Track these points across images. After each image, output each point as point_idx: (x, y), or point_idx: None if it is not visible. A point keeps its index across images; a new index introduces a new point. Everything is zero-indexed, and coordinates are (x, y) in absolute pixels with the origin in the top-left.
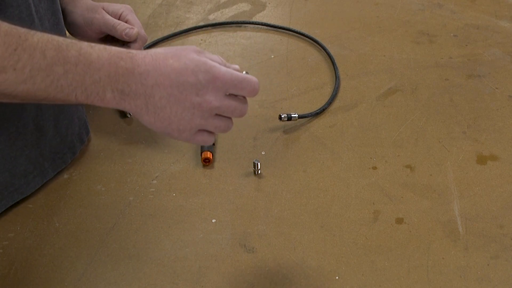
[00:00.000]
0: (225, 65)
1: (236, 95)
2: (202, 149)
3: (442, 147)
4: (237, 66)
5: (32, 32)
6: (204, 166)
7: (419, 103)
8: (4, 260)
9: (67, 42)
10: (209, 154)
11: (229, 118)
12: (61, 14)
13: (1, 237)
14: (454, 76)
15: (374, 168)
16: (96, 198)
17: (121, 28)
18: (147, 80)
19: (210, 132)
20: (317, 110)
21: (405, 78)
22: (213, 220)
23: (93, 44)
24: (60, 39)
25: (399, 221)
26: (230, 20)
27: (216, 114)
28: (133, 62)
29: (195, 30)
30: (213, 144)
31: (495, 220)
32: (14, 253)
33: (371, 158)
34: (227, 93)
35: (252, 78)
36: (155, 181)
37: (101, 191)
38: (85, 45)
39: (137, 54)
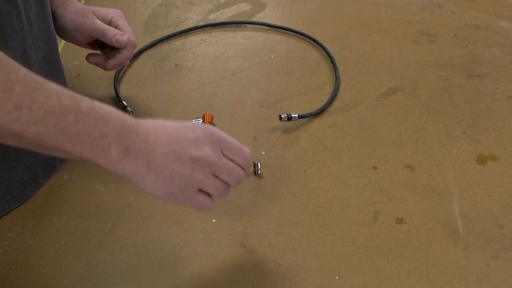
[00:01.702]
0: None
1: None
2: None
3: (442, 147)
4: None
5: (48, 80)
6: None
7: (419, 103)
8: (4, 260)
9: (80, 95)
10: None
11: (227, 184)
12: (52, 20)
13: (1, 237)
14: (454, 76)
15: (374, 168)
16: (96, 198)
17: (111, 34)
18: (149, 137)
19: (209, 195)
20: (317, 110)
21: (405, 78)
22: (213, 220)
23: (102, 104)
24: (72, 92)
25: (399, 221)
26: (230, 20)
27: (215, 175)
28: (137, 121)
29: (195, 30)
30: None
31: (495, 220)
32: (14, 253)
33: (371, 158)
34: (223, 153)
35: (245, 148)
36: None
37: (101, 191)
38: (95, 101)
39: (138, 119)
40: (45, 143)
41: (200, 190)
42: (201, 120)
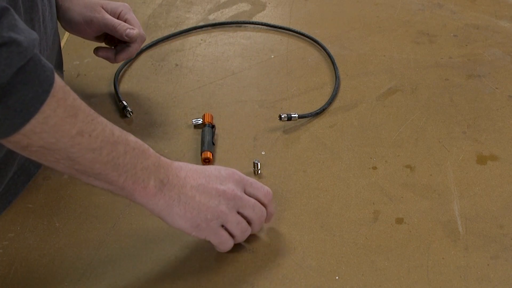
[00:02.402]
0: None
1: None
2: (202, 149)
3: (442, 147)
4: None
5: (96, 113)
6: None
7: (419, 103)
8: (4, 260)
9: (124, 131)
10: (209, 154)
11: (250, 222)
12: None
13: (1, 237)
14: (454, 76)
15: (374, 168)
16: (96, 198)
17: (122, 28)
18: (180, 172)
19: (230, 235)
20: (317, 110)
21: (405, 78)
22: None
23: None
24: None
25: (399, 221)
26: (230, 20)
27: (239, 212)
28: (170, 160)
29: (195, 30)
30: (213, 144)
31: (495, 220)
32: (14, 253)
33: (371, 158)
34: (246, 191)
35: (266, 186)
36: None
37: (101, 191)
38: (138, 138)
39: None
40: (95, 170)
41: (223, 227)
42: (201, 120)
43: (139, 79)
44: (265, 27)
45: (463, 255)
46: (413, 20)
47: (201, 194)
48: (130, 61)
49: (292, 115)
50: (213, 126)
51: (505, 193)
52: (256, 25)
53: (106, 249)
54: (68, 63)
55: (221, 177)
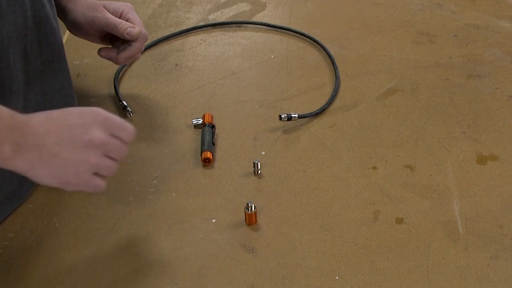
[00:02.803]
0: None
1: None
2: (202, 149)
3: (442, 147)
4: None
5: None
6: (204, 166)
7: (419, 103)
8: (4, 260)
9: None
10: (209, 154)
11: (115, 160)
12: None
13: (1, 237)
14: (454, 76)
15: (374, 168)
16: (96, 198)
17: (123, 27)
18: (39, 130)
19: (102, 177)
20: (317, 110)
21: (405, 78)
22: (213, 220)
23: None
24: None
25: (399, 221)
26: (230, 20)
27: (106, 155)
28: (27, 117)
29: (195, 30)
30: (213, 144)
31: (495, 220)
32: (14, 253)
33: (371, 158)
34: (112, 132)
35: (127, 124)
36: (155, 181)
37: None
38: None
39: (28, 114)
40: None
41: (94, 173)
42: (201, 120)
43: (139, 79)
44: (265, 27)
45: (463, 255)
46: (413, 20)
47: (66, 149)
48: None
49: (292, 115)
50: (213, 126)
51: (505, 193)
52: (256, 25)
53: (106, 249)
54: (68, 63)
55: (85, 124)
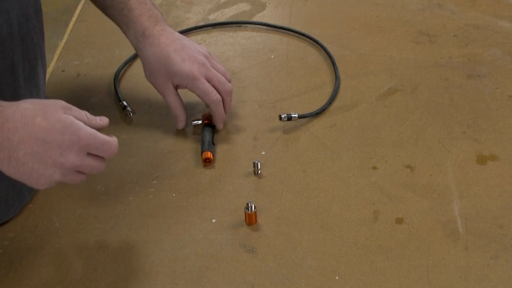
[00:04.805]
0: (90, 123)
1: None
2: (203, 149)
3: (442, 147)
4: (104, 120)
5: None
6: (204, 166)
7: (419, 103)
8: (4, 260)
9: None
10: (209, 154)
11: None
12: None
13: (1, 237)
14: (454, 76)
15: (374, 168)
16: (96, 198)
17: (176, 121)
18: (14, 136)
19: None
20: (317, 110)
21: (405, 78)
22: (213, 220)
23: None
24: None
25: (399, 221)
26: (230, 20)
27: (77, 171)
28: (3, 117)
29: (195, 30)
30: (213, 144)
31: (495, 220)
32: (14, 253)
33: (371, 158)
34: (90, 153)
35: (112, 141)
36: (155, 181)
37: (101, 191)
38: None
39: (8, 108)
40: None
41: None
42: (201, 120)
43: (139, 79)
44: (265, 27)
45: (463, 255)
46: (413, 20)
47: (34, 162)
48: (130, 61)
49: (292, 115)
50: (213, 126)
51: (505, 193)
52: (256, 25)
53: (106, 249)
54: (68, 63)
55: (63, 145)
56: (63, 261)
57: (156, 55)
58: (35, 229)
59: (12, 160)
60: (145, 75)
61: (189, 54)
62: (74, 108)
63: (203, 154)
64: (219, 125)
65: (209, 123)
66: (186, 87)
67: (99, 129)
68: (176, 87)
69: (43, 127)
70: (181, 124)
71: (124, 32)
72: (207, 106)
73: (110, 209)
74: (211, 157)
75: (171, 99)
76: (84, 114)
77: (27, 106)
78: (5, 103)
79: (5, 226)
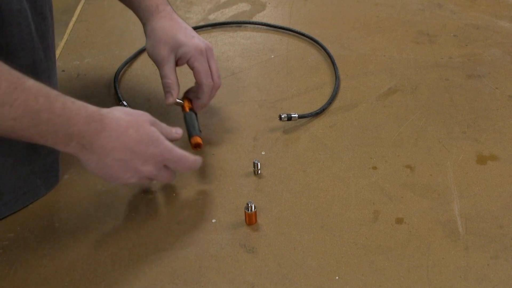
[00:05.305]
0: (167, 136)
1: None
2: (192, 133)
3: (442, 147)
4: (179, 131)
5: (26, 76)
6: (193, 150)
7: (419, 103)
8: (4, 260)
9: (55, 93)
10: (199, 139)
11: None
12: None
13: (1, 237)
14: (454, 76)
15: (374, 168)
16: (96, 198)
17: (164, 90)
18: (108, 143)
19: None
20: (317, 110)
21: (405, 78)
22: (213, 220)
23: (74, 100)
24: (48, 88)
25: (399, 221)
26: (230, 20)
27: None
28: (101, 125)
29: (195, 30)
30: (200, 131)
31: (495, 220)
32: (14, 253)
33: (371, 158)
34: (166, 166)
35: (188, 157)
36: (155, 181)
37: (101, 191)
38: (68, 100)
39: (105, 118)
40: (15, 135)
41: None
42: (182, 102)
43: (139, 79)
44: (265, 27)
45: (463, 255)
46: (413, 20)
47: (118, 167)
48: (130, 61)
49: (292, 115)
50: (195, 113)
51: (505, 193)
52: (256, 25)
53: (106, 249)
54: (68, 63)
55: (146, 156)
56: (63, 261)
57: (165, 26)
58: (35, 229)
59: (100, 163)
60: (147, 48)
61: (198, 36)
62: (158, 121)
63: (192, 139)
64: (199, 109)
65: (191, 109)
66: (187, 62)
67: (174, 140)
68: (176, 62)
69: (133, 139)
70: (171, 99)
71: (133, 7)
72: (199, 86)
73: (110, 209)
74: (201, 141)
75: (168, 70)
76: (165, 127)
77: (121, 117)
78: (103, 112)
79: (5, 226)
